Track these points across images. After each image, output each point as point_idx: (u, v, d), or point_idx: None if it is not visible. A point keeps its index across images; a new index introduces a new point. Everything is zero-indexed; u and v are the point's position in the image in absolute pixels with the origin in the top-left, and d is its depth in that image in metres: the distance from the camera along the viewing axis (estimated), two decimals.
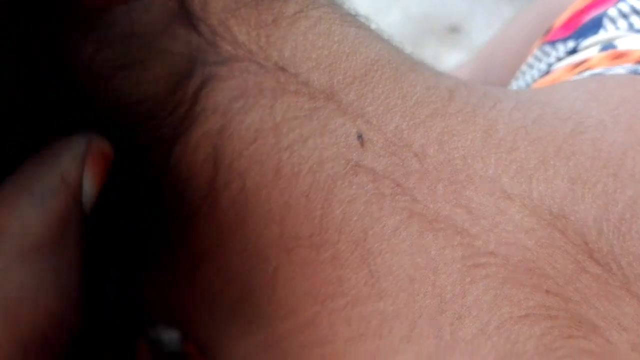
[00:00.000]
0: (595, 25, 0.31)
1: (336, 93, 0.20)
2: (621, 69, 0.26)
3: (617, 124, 0.21)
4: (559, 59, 0.31)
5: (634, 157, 0.20)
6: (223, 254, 0.19)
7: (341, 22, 0.21)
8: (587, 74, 0.27)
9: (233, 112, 0.19)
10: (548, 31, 0.34)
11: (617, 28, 0.29)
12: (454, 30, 1.22)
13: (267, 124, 0.19)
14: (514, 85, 0.36)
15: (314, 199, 0.19)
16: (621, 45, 0.28)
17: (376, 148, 0.19)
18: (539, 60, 0.34)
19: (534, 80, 0.33)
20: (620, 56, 0.27)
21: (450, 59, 1.17)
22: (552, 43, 0.33)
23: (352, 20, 0.22)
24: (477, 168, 0.19)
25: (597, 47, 0.29)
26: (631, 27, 0.29)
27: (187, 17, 0.19)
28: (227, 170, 0.19)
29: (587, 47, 0.30)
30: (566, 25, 0.33)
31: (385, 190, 0.19)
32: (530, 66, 0.35)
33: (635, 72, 0.25)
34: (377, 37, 0.22)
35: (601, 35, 0.30)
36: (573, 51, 0.31)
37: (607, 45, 0.29)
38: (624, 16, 0.30)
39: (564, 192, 0.19)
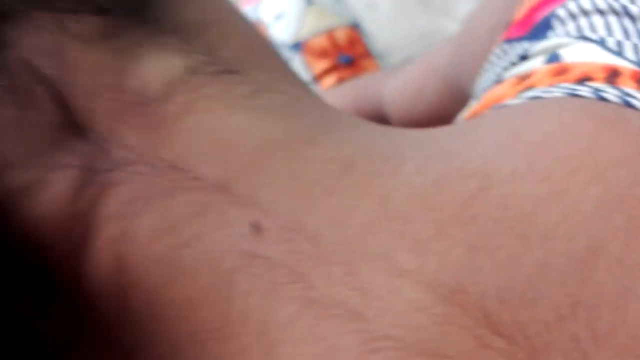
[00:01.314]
0: (545, 27, 0.29)
1: (228, 184, 0.20)
2: (558, 90, 0.25)
3: (532, 172, 0.21)
4: (513, 64, 0.30)
5: (548, 212, 0.20)
6: (146, 346, 0.20)
7: (229, 109, 0.21)
8: (529, 94, 0.26)
9: (130, 216, 0.20)
10: (508, 25, 0.33)
11: (567, 32, 0.28)
12: None
13: (165, 224, 0.20)
14: (481, 79, 0.35)
15: (215, 293, 0.20)
16: (566, 56, 0.27)
17: (271, 235, 0.20)
18: (500, 58, 0.33)
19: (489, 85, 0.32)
20: (562, 72, 0.26)
21: (460, 10, 1.10)
22: (510, 42, 0.32)
23: (242, 101, 0.22)
24: (372, 245, 0.19)
25: (543, 57, 0.28)
26: (579, 31, 0.28)
27: (75, 128, 0.20)
28: (132, 273, 0.20)
29: (535, 55, 0.29)
30: (523, 22, 0.31)
31: (281, 278, 0.19)
32: (492, 64, 0.34)
33: (571, 94, 0.24)
34: (274, 115, 0.22)
35: (550, 41, 0.28)
36: (524, 56, 0.29)
37: (553, 56, 0.27)
38: (573, 17, 0.28)
39: (461, 263, 0.19)
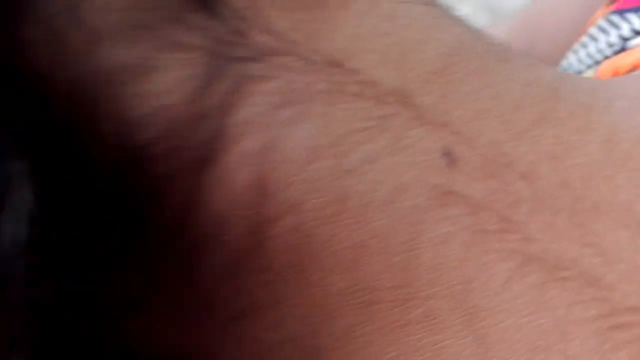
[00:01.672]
0: None
1: (410, 95, 0.15)
2: None
3: None
4: (637, 33, 0.27)
5: None
6: (275, 308, 0.15)
7: (407, 0, 0.16)
8: None
9: (277, 125, 0.14)
10: None
11: None
12: None
13: (324, 140, 0.14)
14: (573, 59, 0.32)
15: (393, 238, 0.14)
16: None
17: (470, 168, 0.15)
18: (605, 32, 0.29)
19: (605, 57, 0.28)
20: None
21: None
22: (621, 12, 0.29)
23: None
24: (604, 192, 0.15)
25: None
26: None
27: (213, 5, 0.14)
28: (276, 202, 0.14)
29: None
30: None
31: (489, 225, 0.14)
32: (593, 38, 0.30)
33: None
34: (452, 18, 0.17)
35: None
36: None
37: None
38: None
39: None
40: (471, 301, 0.14)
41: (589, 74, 0.29)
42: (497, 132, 0.15)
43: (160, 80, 0.14)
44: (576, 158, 0.15)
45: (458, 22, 0.17)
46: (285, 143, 0.14)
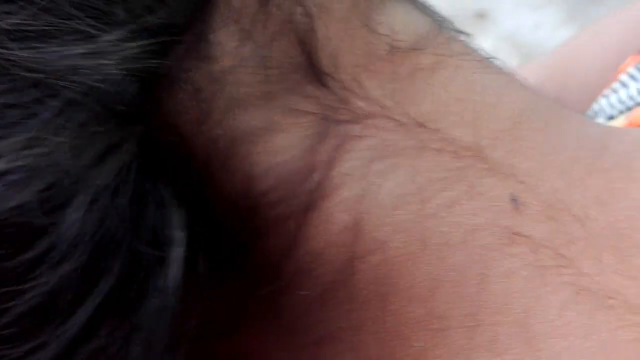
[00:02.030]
0: None
1: (483, 150, 0.18)
2: None
3: None
4: None
5: None
6: (356, 334, 0.17)
7: (482, 70, 0.19)
8: None
9: (372, 176, 0.17)
10: None
11: None
12: (481, 16, 1.19)
13: (410, 188, 0.17)
14: (604, 103, 0.34)
15: (467, 273, 0.17)
16: None
17: (532, 212, 0.17)
18: (635, 79, 0.32)
19: (637, 103, 0.31)
20: None
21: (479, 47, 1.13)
22: None
23: (491, 65, 0.19)
24: None
25: None
26: None
27: (316, 73, 0.17)
28: (366, 241, 0.17)
29: None
30: None
31: (547, 261, 0.17)
32: (624, 85, 0.33)
33: None
34: (519, 83, 0.20)
35: None
36: None
37: None
38: None
39: None
40: (531, 327, 0.16)
41: (621, 118, 0.31)
42: (556, 181, 0.17)
43: (280, 140, 0.17)
44: (622, 202, 0.18)
45: (524, 86, 0.19)
46: (378, 191, 0.17)
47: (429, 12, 0.19)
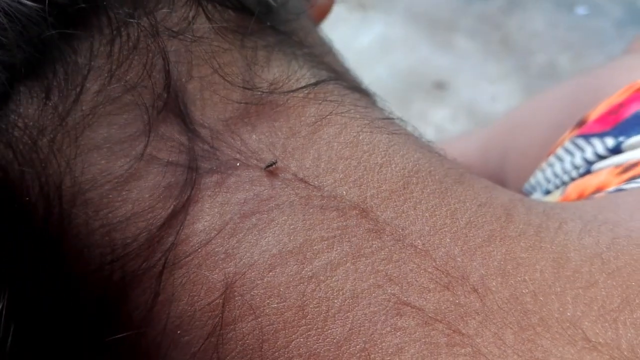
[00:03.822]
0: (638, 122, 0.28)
1: (371, 209, 0.16)
2: None
3: None
4: (600, 157, 0.28)
5: None
6: None
7: (370, 129, 0.18)
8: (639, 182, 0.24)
9: (244, 232, 0.15)
10: (581, 123, 0.32)
11: None
12: (440, 86, 1.21)
13: (288, 247, 0.15)
14: (540, 177, 0.33)
15: (347, 347, 0.15)
16: None
17: (424, 279, 0.15)
18: (571, 154, 0.31)
19: (572, 178, 0.30)
20: None
21: (437, 115, 1.15)
22: (586, 137, 0.30)
23: (384, 125, 0.18)
24: (552, 309, 0.16)
25: None
26: None
27: (185, 121, 0.16)
28: (237, 305, 0.15)
29: (633, 147, 0.27)
30: (602, 119, 0.30)
31: (440, 337, 0.15)
32: (560, 159, 0.32)
33: None
34: (414, 144, 0.19)
35: None
36: (616, 150, 0.28)
37: None
38: None
39: None
40: None
41: (557, 193, 0.30)
42: (452, 247, 0.16)
43: (140, 187, 0.15)
44: (526, 274, 0.16)
45: (420, 147, 0.18)
46: (251, 249, 0.15)
47: (320, 68, 0.18)
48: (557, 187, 0.31)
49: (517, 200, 0.18)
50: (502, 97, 1.16)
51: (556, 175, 0.32)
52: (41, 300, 0.15)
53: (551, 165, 0.32)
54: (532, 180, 0.34)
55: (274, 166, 0.16)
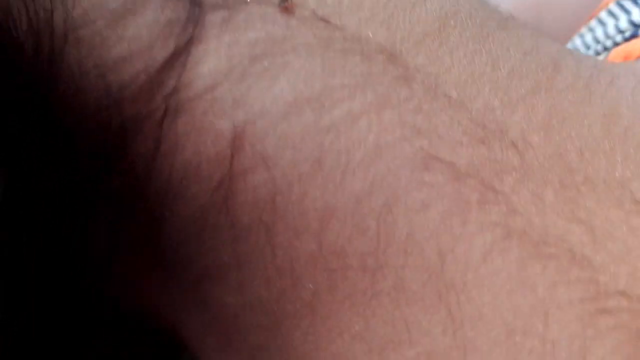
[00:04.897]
0: None
1: (401, 54, 0.14)
2: None
3: None
4: None
5: None
6: (239, 269, 0.14)
7: None
8: None
9: (254, 75, 0.13)
10: None
11: None
12: None
13: (304, 95, 0.13)
14: (578, 42, 0.31)
15: (368, 202, 0.13)
16: None
17: (457, 133, 0.14)
18: (615, 17, 0.28)
19: (615, 43, 0.27)
20: None
21: None
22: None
23: None
24: (599, 167, 0.14)
25: None
26: None
27: None
28: (248, 155, 0.13)
29: None
30: None
31: (471, 194, 0.13)
32: (602, 22, 0.29)
33: None
34: None
35: None
36: None
37: None
38: None
39: None
40: (446, 275, 0.13)
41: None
42: (491, 98, 0.14)
43: (137, 24, 0.13)
44: (572, 130, 0.14)
45: None
46: (262, 96, 0.13)
47: None
48: (597, 54, 0.28)
49: (566, 52, 0.16)
50: None
51: (597, 41, 0.29)
52: (36, 150, 0.13)
53: (592, 29, 0.30)
54: (569, 46, 0.31)
55: (289, 2, 0.14)
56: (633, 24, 0.27)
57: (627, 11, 0.28)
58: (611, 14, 0.29)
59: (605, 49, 0.28)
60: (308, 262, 0.14)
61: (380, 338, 0.13)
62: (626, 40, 0.27)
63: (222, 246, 0.14)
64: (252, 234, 0.14)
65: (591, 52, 0.29)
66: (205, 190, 0.14)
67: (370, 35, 0.14)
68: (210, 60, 0.13)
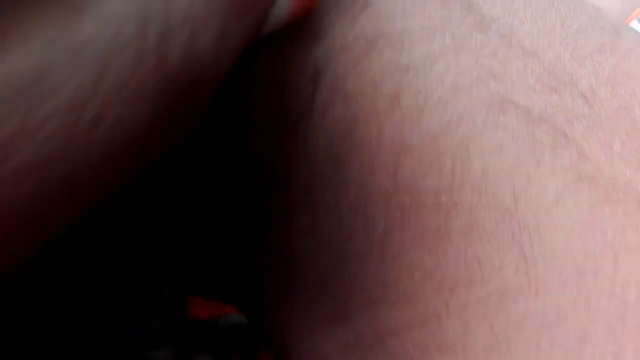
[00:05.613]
0: None
1: (477, 3, 0.15)
2: None
3: None
4: None
5: None
6: (311, 207, 0.14)
7: None
8: None
9: (336, 13, 0.14)
10: None
11: None
12: None
13: (384, 34, 0.14)
14: None
15: (444, 140, 0.14)
16: None
17: (531, 80, 0.14)
18: None
19: None
20: None
21: None
22: None
23: None
24: None
25: None
26: None
27: None
28: (327, 90, 0.14)
29: None
30: None
31: (544, 138, 0.14)
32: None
33: None
34: None
35: None
36: None
37: None
38: None
39: None
40: (519, 214, 0.13)
41: None
42: (561, 51, 0.15)
43: None
44: (636, 87, 0.15)
45: None
46: (345, 32, 0.14)
47: None
48: None
49: (622, 23, 0.17)
50: None
51: None
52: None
53: None
54: None
55: None
56: None
57: None
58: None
59: None
60: (381, 199, 0.14)
61: (451, 276, 0.14)
62: None
63: (296, 181, 0.14)
64: (327, 169, 0.14)
65: None
66: (286, 124, 0.14)
67: None
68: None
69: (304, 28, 0.14)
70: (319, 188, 0.14)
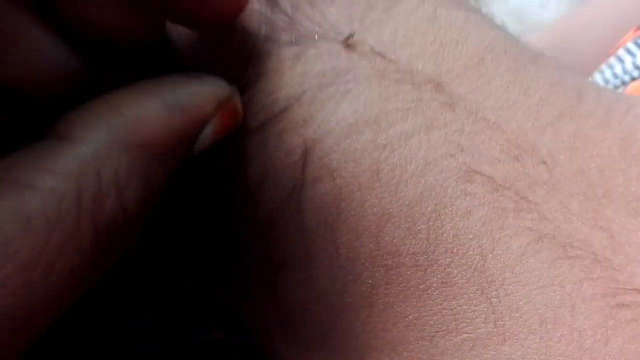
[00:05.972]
0: None
1: (446, 84, 0.17)
2: None
3: None
4: None
5: None
6: (308, 264, 0.17)
7: (447, 5, 0.18)
8: None
9: (322, 100, 0.16)
10: None
11: None
12: None
13: (364, 117, 0.16)
14: (598, 78, 0.33)
15: (419, 209, 0.16)
16: None
17: (495, 151, 0.16)
18: (632, 54, 0.31)
19: (632, 78, 0.30)
20: None
21: None
22: None
23: (461, 2, 0.18)
24: (617, 183, 0.16)
25: None
26: None
27: None
28: (316, 167, 0.16)
29: None
30: None
31: (507, 203, 0.16)
32: (620, 60, 0.32)
33: None
34: (489, 23, 0.19)
35: None
36: None
37: None
38: None
39: None
40: (487, 272, 0.16)
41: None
42: (523, 121, 0.17)
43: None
44: (593, 151, 0.17)
45: (495, 27, 0.19)
46: (328, 117, 0.16)
47: None
48: (616, 87, 0.31)
49: (587, 83, 0.19)
50: (551, 3, 1.12)
51: (616, 76, 0.31)
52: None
53: (611, 66, 0.32)
54: (598, 75, 0.34)
55: (351, 39, 0.17)
56: None
57: None
58: (629, 51, 0.31)
59: (623, 83, 0.31)
60: (367, 260, 0.16)
61: (430, 326, 0.16)
62: None
63: (295, 242, 0.16)
64: (319, 234, 0.16)
65: (610, 86, 0.31)
66: (279, 194, 0.16)
67: (420, 68, 0.17)
68: (285, 88, 0.16)
69: (293, 117, 0.16)
70: (314, 249, 0.16)
